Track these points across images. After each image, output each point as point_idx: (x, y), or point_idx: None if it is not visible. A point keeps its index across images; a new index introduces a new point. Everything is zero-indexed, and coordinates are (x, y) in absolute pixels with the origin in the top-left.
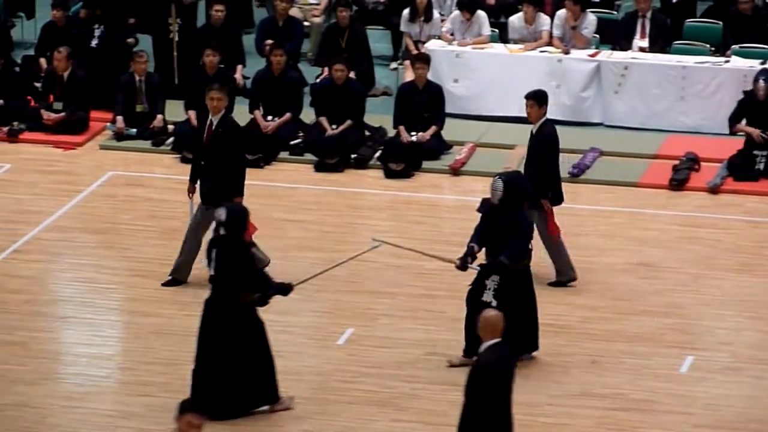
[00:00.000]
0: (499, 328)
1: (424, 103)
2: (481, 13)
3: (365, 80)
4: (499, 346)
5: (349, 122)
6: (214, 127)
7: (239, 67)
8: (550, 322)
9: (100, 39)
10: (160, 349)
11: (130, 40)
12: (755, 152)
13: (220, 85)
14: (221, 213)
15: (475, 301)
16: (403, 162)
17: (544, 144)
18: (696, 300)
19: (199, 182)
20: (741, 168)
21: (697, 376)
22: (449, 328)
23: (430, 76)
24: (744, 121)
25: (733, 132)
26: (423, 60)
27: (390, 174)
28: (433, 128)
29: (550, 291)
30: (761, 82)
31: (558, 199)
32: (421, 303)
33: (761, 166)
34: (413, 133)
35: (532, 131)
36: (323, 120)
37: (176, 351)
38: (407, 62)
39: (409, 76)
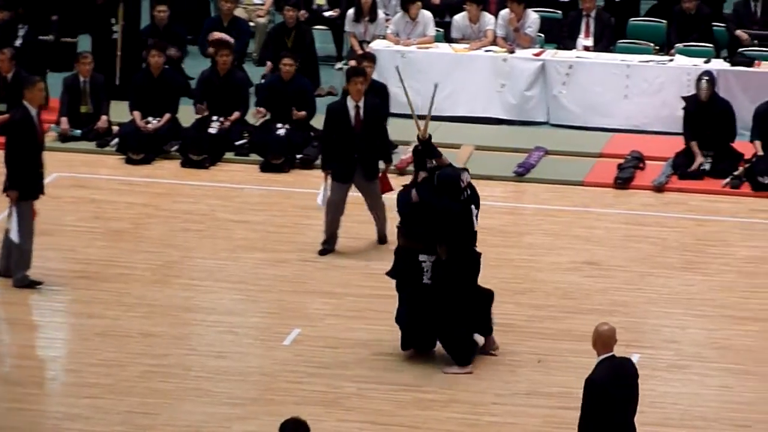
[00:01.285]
0: (612, 342)
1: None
2: (426, 13)
3: (311, 81)
4: (613, 360)
5: (302, 113)
6: (37, 120)
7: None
8: (496, 321)
9: (24, 38)
10: (105, 350)
11: (48, 37)
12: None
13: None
14: (466, 175)
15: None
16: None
17: (380, 110)
18: (642, 298)
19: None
20: (686, 167)
21: (643, 374)
22: (397, 329)
23: (375, 76)
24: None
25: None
26: (370, 59)
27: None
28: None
29: (495, 290)
30: (703, 83)
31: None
32: (368, 303)
33: (706, 166)
34: None
35: (358, 105)
36: (261, 109)
37: (121, 353)
38: (352, 62)
39: None
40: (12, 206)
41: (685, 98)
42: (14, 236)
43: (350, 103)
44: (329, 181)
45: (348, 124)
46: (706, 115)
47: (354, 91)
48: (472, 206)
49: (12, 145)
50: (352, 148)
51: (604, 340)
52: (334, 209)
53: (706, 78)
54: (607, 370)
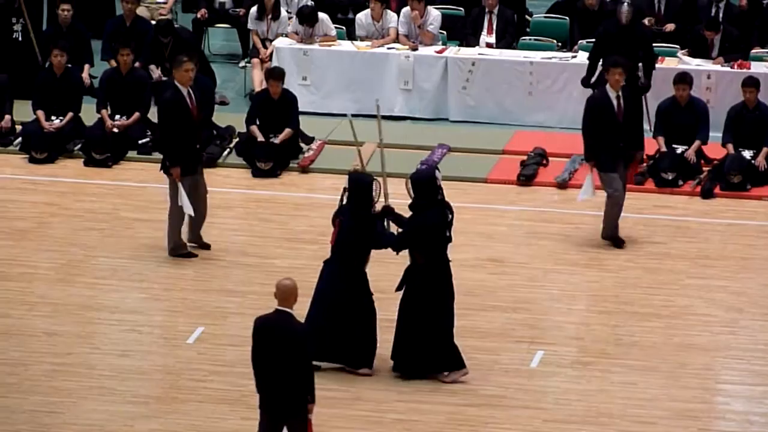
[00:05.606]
0: (290, 297)
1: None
2: (323, 17)
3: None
4: (281, 315)
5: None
6: (188, 98)
7: (86, 66)
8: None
9: None
10: (10, 350)
11: None
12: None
13: None
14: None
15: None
16: (271, 161)
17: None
18: (545, 295)
19: None
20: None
21: (547, 371)
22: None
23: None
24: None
25: (591, 68)
26: (276, 77)
27: (258, 173)
28: (288, 131)
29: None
30: (625, 5)
31: None
32: (272, 301)
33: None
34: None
35: (619, 95)
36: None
37: (25, 352)
38: (255, 60)
39: (256, 74)
40: (178, 183)
41: (604, 21)
42: (187, 210)
43: (611, 94)
44: (593, 172)
45: (612, 115)
46: (624, 39)
47: (613, 81)
48: (447, 211)
49: (166, 124)
50: (617, 137)
51: (280, 293)
52: (617, 196)
53: (628, 1)
54: (264, 320)
